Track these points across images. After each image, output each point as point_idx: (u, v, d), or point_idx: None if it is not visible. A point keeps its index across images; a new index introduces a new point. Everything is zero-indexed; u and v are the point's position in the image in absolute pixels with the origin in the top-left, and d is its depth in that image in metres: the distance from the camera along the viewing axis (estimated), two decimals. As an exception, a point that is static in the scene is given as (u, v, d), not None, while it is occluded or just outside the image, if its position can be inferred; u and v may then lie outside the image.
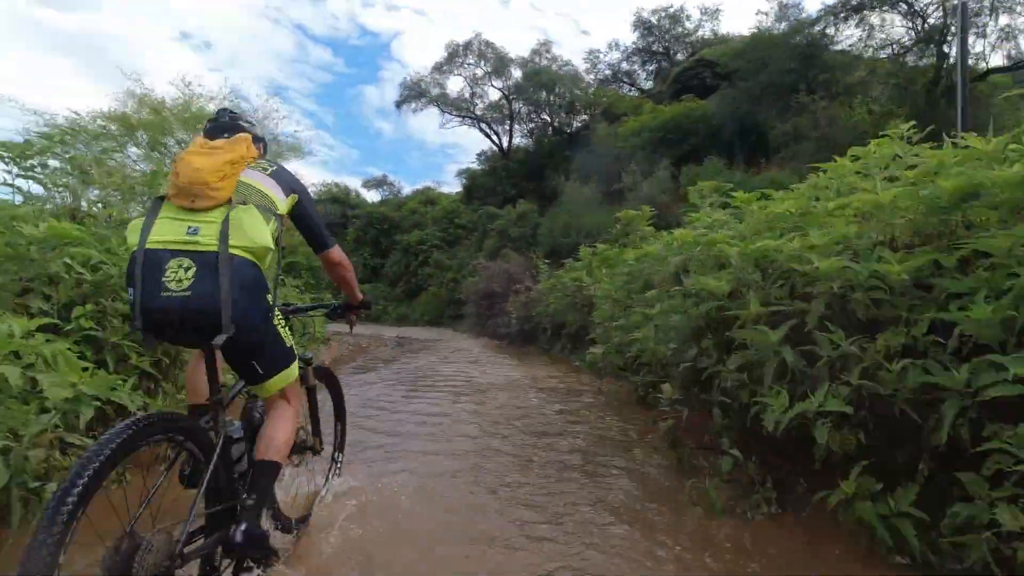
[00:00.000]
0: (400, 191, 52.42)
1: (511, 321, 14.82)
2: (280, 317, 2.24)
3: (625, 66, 39.49)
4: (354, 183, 59.15)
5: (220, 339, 1.80)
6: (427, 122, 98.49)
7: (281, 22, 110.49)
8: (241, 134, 2.20)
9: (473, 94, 37.82)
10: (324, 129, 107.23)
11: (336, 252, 2.48)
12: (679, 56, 37.80)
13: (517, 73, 35.12)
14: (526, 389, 7.51)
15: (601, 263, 11.81)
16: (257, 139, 2.38)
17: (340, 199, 51.75)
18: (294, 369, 2.29)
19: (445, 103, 37.57)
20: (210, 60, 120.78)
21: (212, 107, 13.37)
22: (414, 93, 36.89)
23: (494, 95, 37.53)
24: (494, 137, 38.68)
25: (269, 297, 2.05)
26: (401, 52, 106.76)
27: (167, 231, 1.85)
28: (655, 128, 24.69)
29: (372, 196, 52.87)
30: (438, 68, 37.03)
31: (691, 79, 29.42)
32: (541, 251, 20.57)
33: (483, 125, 38.64)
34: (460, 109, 37.92)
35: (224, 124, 2.30)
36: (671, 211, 20.83)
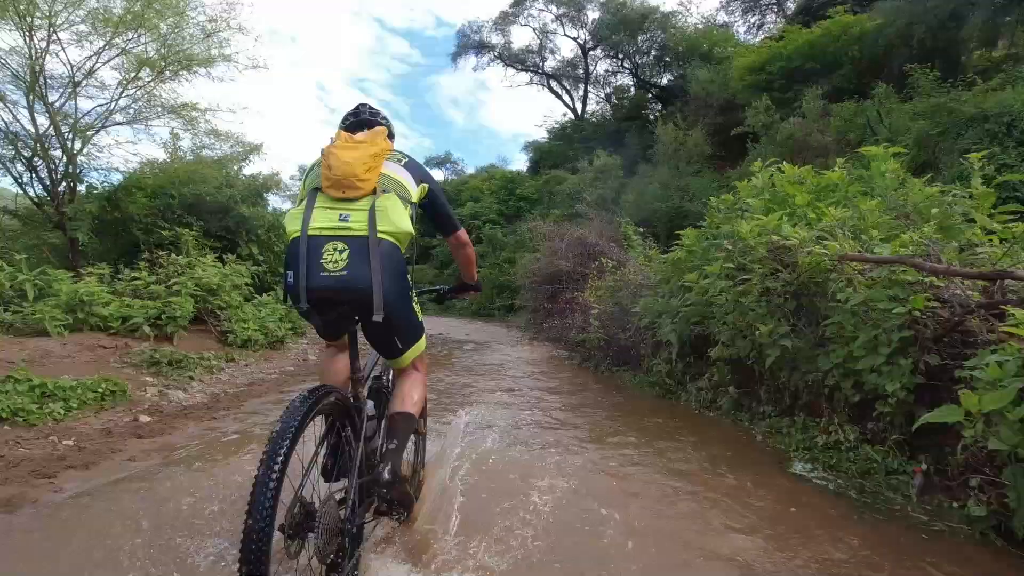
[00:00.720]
0: (464, 170, 46.73)
1: (590, 322, 8.12)
2: (415, 293, 2.23)
3: (722, 17, 31.61)
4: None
5: (379, 316, 1.86)
6: (499, 108, 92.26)
7: (361, 15, 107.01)
8: (378, 128, 2.26)
9: (542, 47, 31.06)
10: (399, 119, 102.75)
11: (463, 234, 2.48)
12: (790, 2, 29.71)
13: (595, 15, 27.97)
14: None
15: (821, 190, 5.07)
16: (390, 133, 2.42)
17: (396, 174, 46.37)
18: (423, 341, 2.29)
19: (510, 57, 30.94)
20: (294, 54, 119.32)
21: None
22: (472, 43, 30.42)
23: (566, 49, 30.70)
24: (566, 98, 31.81)
25: (409, 277, 2.11)
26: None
27: (322, 219, 1.93)
28: (790, 56, 17.16)
29: (435, 176, 47.13)
30: (503, 17, 30.40)
31: (825, 4, 21.49)
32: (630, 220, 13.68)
33: (553, 84, 31.82)
34: (526, 64, 31.22)
35: (364, 119, 2.36)
36: (827, 157, 13.44)
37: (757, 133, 15.27)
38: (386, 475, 1.91)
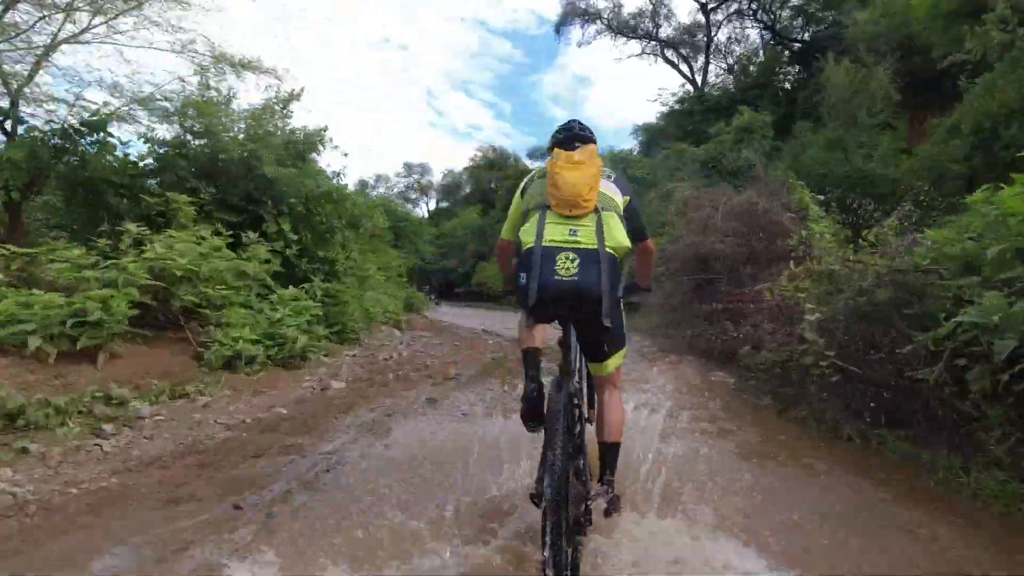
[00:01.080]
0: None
1: (801, 336, 4.36)
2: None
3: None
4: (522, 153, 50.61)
5: (607, 321, 1.99)
6: (602, 101, 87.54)
7: (466, 20, 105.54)
8: (592, 146, 2.32)
9: (656, 11, 26.79)
10: (502, 119, 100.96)
11: (651, 243, 2.61)
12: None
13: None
14: None
15: None
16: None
17: (498, 165, 43.61)
18: (624, 352, 2.46)
19: (619, 25, 26.95)
20: (405, 61, 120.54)
21: None
22: (577, 11, 26.73)
23: (683, 13, 26.28)
24: (683, 68, 27.34)
25: (620, 287, 2.27)
26: (578, 38, 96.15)
27: (555, 233, 2.09)
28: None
29: (537, 167, 44.13)
30: (612, -19, 26.47)
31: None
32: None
33: (668, 53, 27.46)
34: (637, 32, 27.09)
35: (576, 135, 2.42)
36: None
37: (987, 59, 10.48)
38: (605, 505, 2.16)
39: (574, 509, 1.88)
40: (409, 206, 53.12)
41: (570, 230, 2.08)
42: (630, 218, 2.33)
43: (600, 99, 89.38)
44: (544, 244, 2.05)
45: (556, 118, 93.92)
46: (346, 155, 8.24)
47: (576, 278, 1.99)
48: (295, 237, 7.16)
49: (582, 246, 2.04)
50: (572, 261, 2.01)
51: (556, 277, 1.99)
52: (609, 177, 2.31)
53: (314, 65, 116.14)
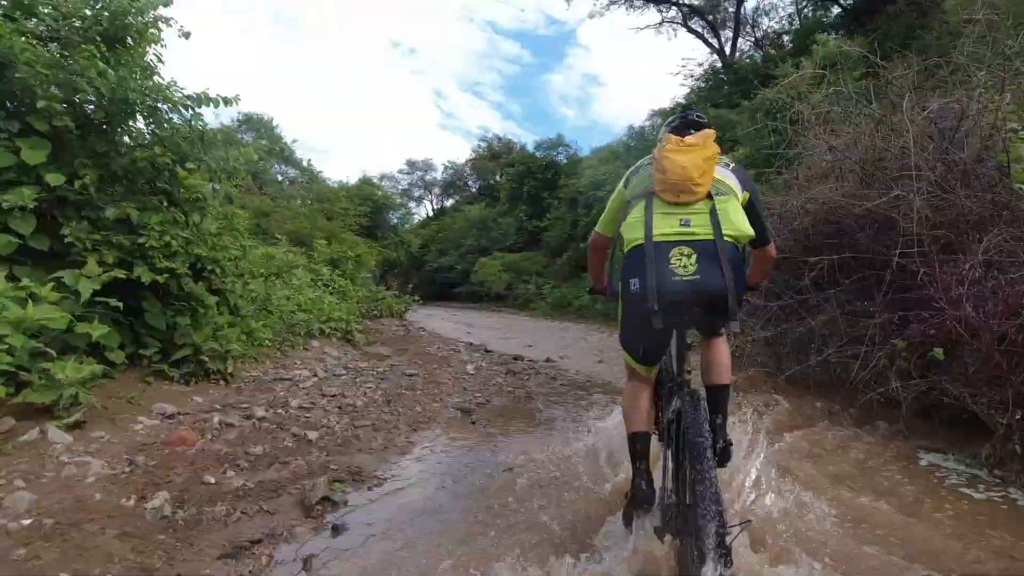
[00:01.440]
0: (578, 153, 39.23)
1: None
2: None
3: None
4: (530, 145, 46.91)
5: (736, 323, 1.80)
6: (612, 97, 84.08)
7: (474, 21, 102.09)
8: (708, 131, 2.07)
9: (679, -26, 23.02)
10: (511, 120, 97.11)
11: (773, 248, 2.32)
12: None
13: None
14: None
15: None
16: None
17: (502, 154, 39.80)
18: None
19: (637, -9, 23.16)
20: (414, 64, 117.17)
21: None
22: (590, -29, 22.97)
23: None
24: (710, 40, 23.54)
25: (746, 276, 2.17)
26: (587, 37, 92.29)
27: (664, 225, 1.86)
28: None
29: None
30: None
31: None
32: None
33: (692, 22, 23.67)
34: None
35: (691, 121, 2.19)
36: None
37: None
38: (721, 446, 1.93)
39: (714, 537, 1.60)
40: (412, 204, 49.71)
41: (681, 220, 1.84)
42: (751, 217, 1.99)
43: (611, 97, 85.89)
44: (655, 239, 1.81)
45: (566, 117, 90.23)
46: (188, 35, 4.11)
47: (697, 276, 1.75)
48: (61, 179, 3.52)
49: (697, 238, 1.80)
50: (689, 257, 1.78)
51: (675, 278, 1.76)
52: (727, 166, 2.04)
53: (327, 69, 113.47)
